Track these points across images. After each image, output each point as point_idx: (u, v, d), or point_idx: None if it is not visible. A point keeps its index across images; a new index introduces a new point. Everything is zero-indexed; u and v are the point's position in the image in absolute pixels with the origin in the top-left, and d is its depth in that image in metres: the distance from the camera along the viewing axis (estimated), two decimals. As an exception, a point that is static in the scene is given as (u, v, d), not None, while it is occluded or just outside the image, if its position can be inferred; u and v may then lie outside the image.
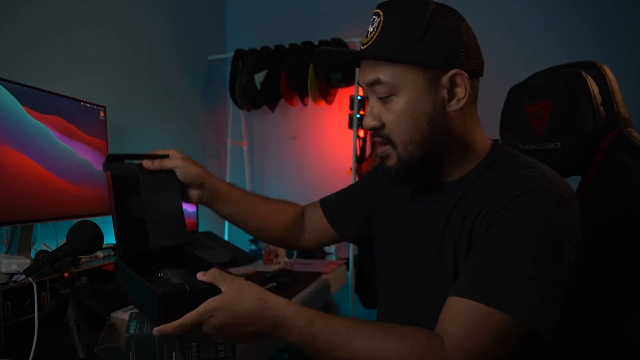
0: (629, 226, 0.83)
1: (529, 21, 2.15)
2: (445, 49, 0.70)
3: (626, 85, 1.01)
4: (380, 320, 0.92)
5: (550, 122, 1.00)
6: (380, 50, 0.72)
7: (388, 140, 0.75)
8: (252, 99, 2.36)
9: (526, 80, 1.09)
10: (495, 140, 0.81)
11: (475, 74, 0.74)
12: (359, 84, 0.81)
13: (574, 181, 0.98)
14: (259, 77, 2.31)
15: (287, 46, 2.31)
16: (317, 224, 1.04)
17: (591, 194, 0.94)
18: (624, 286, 0.82)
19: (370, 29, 0.74)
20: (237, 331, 0.67)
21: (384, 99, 0.74)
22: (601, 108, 0.93)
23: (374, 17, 0.74)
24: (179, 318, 0.69)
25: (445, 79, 0.71)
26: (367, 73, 0.74)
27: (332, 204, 1.04)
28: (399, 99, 0.72)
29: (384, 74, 0.72)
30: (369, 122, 0.76)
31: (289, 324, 0.66)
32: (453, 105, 0.72)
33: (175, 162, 0.89)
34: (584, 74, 0.94)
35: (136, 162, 0.89)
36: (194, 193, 0.92)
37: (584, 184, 0.96)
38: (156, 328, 0.67)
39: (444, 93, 0.72)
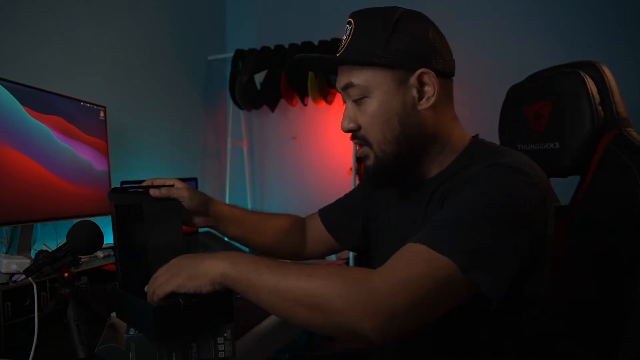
0: (628, 226, 0.83)
1: (528, 21, 2.15)
2: (412, 50, 0.74)
3: (625, 85, 1.01)
4: None
5: (549, 122, 1.00)
6: (352, 56, 0.76)
7: (365, 142, 0.79)
8: (252, 99, 2.36)
9: (525, 80, 1.10)
10: (474, 136, 0.82)
11: (445, 73, 0.77)
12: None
13: (572, 181, 0.99)
14: (259, 77, 2.31)
15: (287, 46, 2.31)
16: (318, 234, 1.05)
17: (590, 194, 0.94)
18: (625, 286, 0.82)
19: (344, 37, 0.79)
20: (180, 264, 0.71)
21: (358, 102, 0.77)
22: (600, 108, 0.93)
23: (346, 25, 0.79)
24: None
25: (413, 79, 0.74)
26: (341, 78, 0.79)
27: (330, 214, 1.05)
28: (371, 101, 0.76)
29: (356, 77, 0.76)
30: (346, 124, 0.79)
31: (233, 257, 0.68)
32: (424, 104, 0.75)
33: (181, 192, 0.91)
34: (582, 74, 0.94)
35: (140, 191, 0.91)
36: (199, 219, 0.96)
37: (583, 183, 0.96)
38: None
39: (414, 92, 0.75)
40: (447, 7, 2.25)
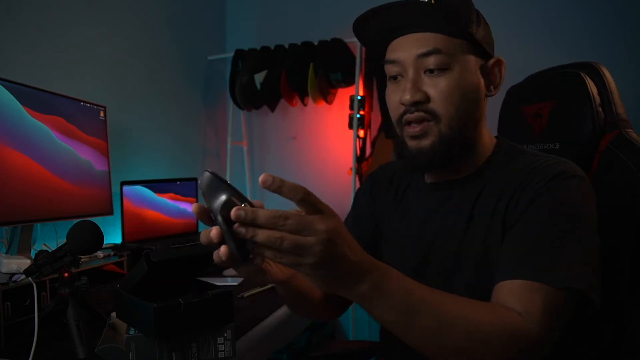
0: (629, 226, 0.83)
1: (528, 22, 2.15)
2: (489, 40, 0.78)
3: (625, 86, 1.01)
4: None
5: (549, 122, 1.00)
6: (450, 19, 0.73)
7: (433, 115, 0.74)
8: (252, 99, 2.36)
9: (524, 80, 1.10)
10: (500, 138, 0.84)
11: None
12: (397, 58, 0.76)
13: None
14: (259, 77, 2.31)
15: (287, 46, 2.31)
16: None
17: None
18: (624, 286, 0.82)
19: None
20: (342, 242, 0.53)
21: (434, 72, 0.73)
22: (600, 109, 0.93)
23: None
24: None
25: (491, 64, 0.78)
26: (423, 42, 0.73)
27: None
28: (451, 73, 0.73)
29: (445, 45, 0.73)
30: (412, 95, 0.73)
31: (392, 274, 0.58)
32: (492, 91, 0.78)
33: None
34: (582, 75, 0.95)
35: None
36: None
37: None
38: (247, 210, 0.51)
39: (486, 78, 0.77)
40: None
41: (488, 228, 0.73)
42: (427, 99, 0.74)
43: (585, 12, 2.06)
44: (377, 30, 0.78)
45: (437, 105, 0.73)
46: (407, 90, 0.74)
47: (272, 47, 2.35)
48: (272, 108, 2.40)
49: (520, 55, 2.11)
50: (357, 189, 2.26)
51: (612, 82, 0.94)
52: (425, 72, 0.74)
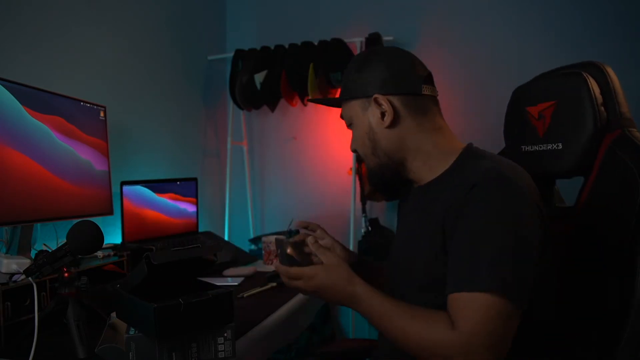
0: (629, 226, 0.83)
1: (530, 23, 2.16)
2: (370, 81, 0.90)
3: (629, 84, 1.01)
4: None
5: (552, 123, 1.00)
6: (340, 96, 0.97)
7: (362, 159, 0.97)
8: (252, 99, 2.36)
9: (530, 81, 1.10)
10: (467, 144, 0.90)
11: (408, 92, 0.89)
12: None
13: (576, 182, 0.99)
14: (259, 77, 2.31)
15: (287, 46, 2.31)
16: None
17: (593, 195, 0.94)
18: (624, 286, 0.82)
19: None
20: (325, 289, 0.85)
21: (351, 129, 0.96)
22: (602, 108, 0.92)
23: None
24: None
25: (370, 103, 0.90)
26: (341, 112, 0.98)
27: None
28: (354, 127, 0.95)
29: (344, 111, 0.97)
30: (351, 147, 0.98)
31: (360, 298, 0.82)
32: (385, 122, 0.89)
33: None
34: (584, 74, 0.94)
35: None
36: None
37: (586, 184, 0.96)
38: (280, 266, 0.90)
39: (377, 114, 0.89)
40: (449, 12, 2.25)
41: (433, 237, 0.81)
42: (355, 148, 0.98)
43: (585, 11, 2.06)
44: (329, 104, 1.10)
45: (358, 151, 0.97)
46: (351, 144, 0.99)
47: (272, 47, 2.35)
48: (272, 108, 2.40)
49: (525, 57, 2.12)
50: (356, 189, 2.28)
51: (616, 80, 0.94)
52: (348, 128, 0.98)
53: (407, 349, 0.76)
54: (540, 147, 1.02)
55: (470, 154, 0.87)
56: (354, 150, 0.98)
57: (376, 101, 0.88)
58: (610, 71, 0.94)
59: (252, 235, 2.58)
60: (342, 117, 0.98)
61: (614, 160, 0.89)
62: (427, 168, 0.90)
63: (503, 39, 2.18)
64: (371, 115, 0.90)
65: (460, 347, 0.70)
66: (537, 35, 2.14)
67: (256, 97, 2.35)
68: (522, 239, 0.74)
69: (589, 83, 0.93)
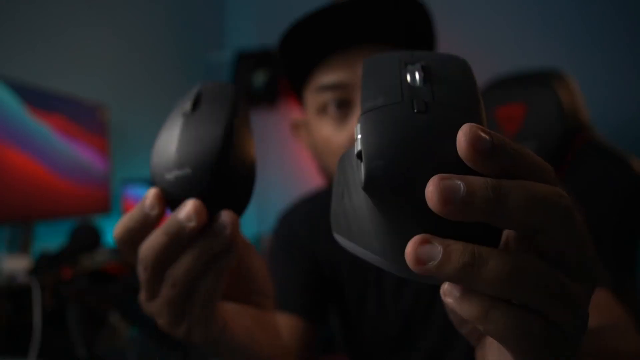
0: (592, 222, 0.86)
1: (530, 23, 2.16)
2: None
3: (592, 91, 1.05)
4: None
5: (520, 124, 1.04)
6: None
7: None
8: (252, 99, 2.36)
9: (495, 82, 1.13)
10: None
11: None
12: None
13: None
14: (259, 77, 2.31)
15: (287, 46, 2.31)
16: None
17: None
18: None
19: None
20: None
21: None
22: (565, 114, 0.96)
23: None
24: None
25: None
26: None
27: None
28: None
29: None
30: None
31: None
32: None
33: None
34: (550, 79, 0.99)
35: None
36: None
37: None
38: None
39: None
40: (449, 12, 2.25)
41: None
42: None
43: (585, 11, 2.06)
44: (306, 45, 0.61)
45: None
46: None
47: (272, 46, 2.35)
48: (272, 108, 2.40)
49: (522, 56, 2.12)
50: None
51: (577, 88, 0.99)
52: None
53: None
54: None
55: None
56: None
57: None
58: (572, 79, 0.99)
59: (252, 235, 2.58)
60: None
61: (580, 164, 0.93)
62: None
63: (503, 38, 2.18)
64: None
65: None
66: (537, 35, 2.14)
67: (256, 97, 2.35)
68: None
69: (555, 88, 0.97)
